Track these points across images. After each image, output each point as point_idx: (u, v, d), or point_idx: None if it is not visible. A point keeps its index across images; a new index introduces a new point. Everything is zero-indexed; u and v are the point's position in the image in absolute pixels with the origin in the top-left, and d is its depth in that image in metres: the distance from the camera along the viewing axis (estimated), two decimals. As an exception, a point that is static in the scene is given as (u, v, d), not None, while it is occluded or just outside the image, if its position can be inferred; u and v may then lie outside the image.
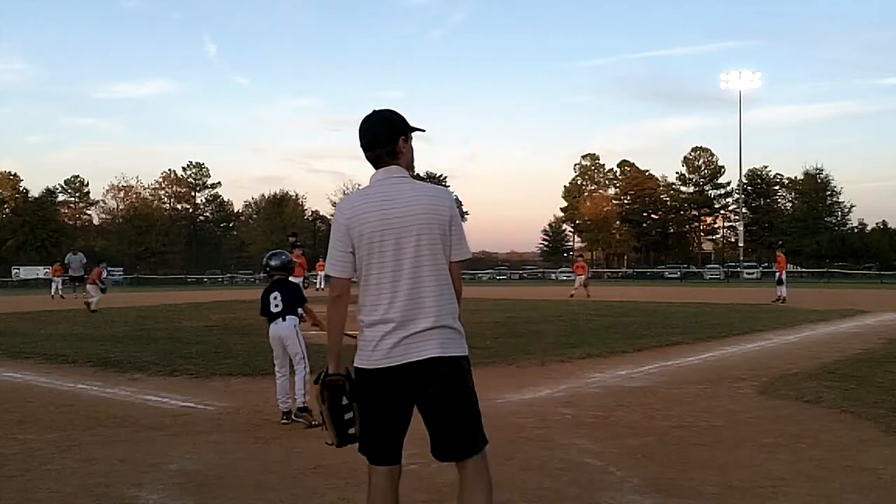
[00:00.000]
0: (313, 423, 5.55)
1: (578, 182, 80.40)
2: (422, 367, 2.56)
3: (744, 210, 70.33)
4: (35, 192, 71.18)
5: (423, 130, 2.79)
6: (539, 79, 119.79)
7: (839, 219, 69.50)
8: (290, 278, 6.30)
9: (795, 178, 71.63)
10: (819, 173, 68.73)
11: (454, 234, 2.70)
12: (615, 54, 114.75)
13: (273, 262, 6.02)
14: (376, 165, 2.72)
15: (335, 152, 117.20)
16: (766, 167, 74.32)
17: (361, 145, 2.73)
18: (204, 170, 79.70)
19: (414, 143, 2.81)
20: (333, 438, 2.67)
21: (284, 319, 5.83)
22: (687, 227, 79.04)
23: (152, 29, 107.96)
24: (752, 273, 55.35)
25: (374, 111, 2.75)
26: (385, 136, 2.69)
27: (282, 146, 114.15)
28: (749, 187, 72.75)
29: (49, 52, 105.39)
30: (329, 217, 78.19)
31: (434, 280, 2.62)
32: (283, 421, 5.73)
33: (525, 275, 65.85)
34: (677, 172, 76.85)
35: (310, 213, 77.20)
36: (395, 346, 2.55)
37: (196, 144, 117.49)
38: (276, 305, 5.82)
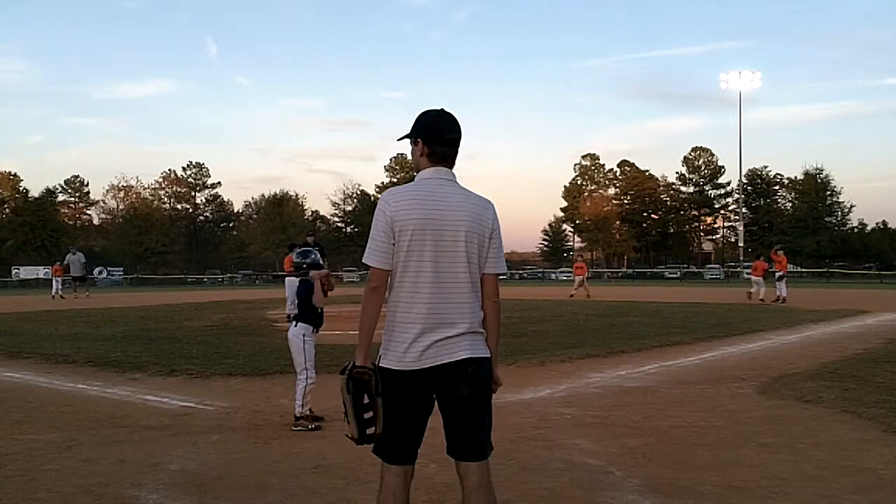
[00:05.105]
0: (311, 427, 5.55)
1: (578, 182, 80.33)
2: (453, 367, 2.56)
3: (744, 210, 70.30)
4: (35, 192, 71.21)
5: None
6: (539, 79, 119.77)
7: (839, 219, 69.45)
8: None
9: (795, 178, 71.64)
10: (819, 173, 68.67)
11: (493, 246, 2.69)
12: (615, 54, 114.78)
13: (304, 260, 5.94)
14: (431, 161, 2.69)
15: (335, 152, 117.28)
16: (766, 167, 74.40)
17: (431, 137, 2.68)
18: (204, 170, 79.69)
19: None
20: (354, 433, 2.61)
21: (296, 325, 5.79)
22: (687, 227, 79.00)
23: (153, 29, 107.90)
24: (753, 273, 55.27)
25: (445, 110, 2.74)
26: (457, 139, 2.71)
27: (282, 146, 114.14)
28: (749, 187, 72.72)
29: (49, 52, 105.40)
30: (329, 217, 78.24)
31: (470, 287, 2.62)
32: (296, 428, 5.64)
33: (525, 275, 65.78)
34: (677, 172, 76.92)
35: (310, 213, 77.20)
36: (427, 348, 2.54)
37: (196, 144, 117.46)
38: (292, 308, 5.76)
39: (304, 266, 5.90)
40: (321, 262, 6.07)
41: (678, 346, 10.41)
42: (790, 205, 72.64)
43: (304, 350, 5.70)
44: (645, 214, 78.06)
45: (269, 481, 4.26)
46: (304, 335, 5.73)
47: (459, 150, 2.76)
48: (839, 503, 3.82)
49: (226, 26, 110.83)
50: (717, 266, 64.34)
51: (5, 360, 9.70)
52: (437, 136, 2.69)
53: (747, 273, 54.10)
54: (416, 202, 2.60)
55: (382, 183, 75.41)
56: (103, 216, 78.54)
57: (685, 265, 67.92)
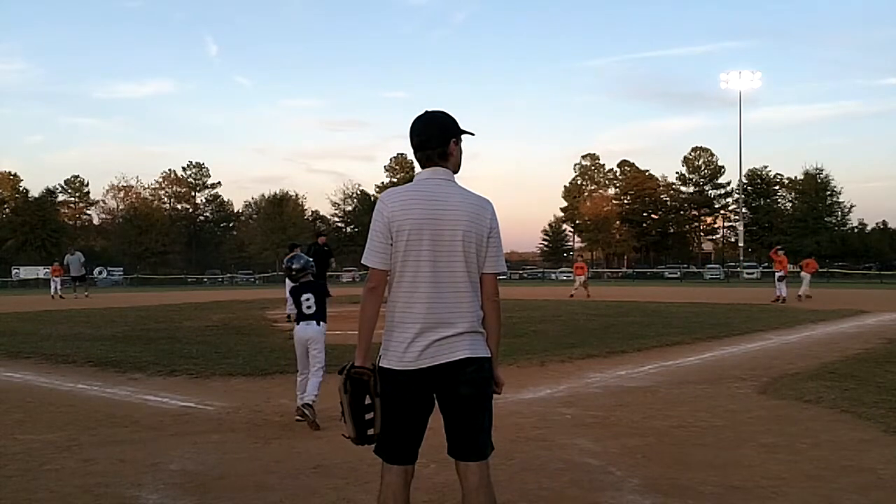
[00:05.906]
0: (313, 421, 5.55)
1: (578, 182, 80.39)
2: (452, 367, 2.56)
3: (744, 210, 70.33)
4: (35, 192, 71.33)
5: (473, 134, 2.78)
6: (539, 79, 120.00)
7: (839, 219, 69.47)
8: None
9: (795, 178, 71.69)
10: (819, 173, 68.71)
11: (491, 245, 2.68)
12: (615, 54, 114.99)
13: (295, 266, 6.01)
14: (424, 165, 2.71)
15: (335, 152, 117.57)
16: (766, 167, 74.52)
17: (412, 144, 2.72)
18: (204, 170, 79.77)
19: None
20: (352, 432, 2.61)
21: (319, 324, 5.82)
22: (687, 227, 79.03)
23: (153, 29, 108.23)
24: (752, 273, 55.34)
25: (427, 112, 2.74)
26: (436, 138, 2.70)
27: (282, 146, 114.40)
28: (749, 187, 72.74)
29: (49, 52, 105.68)
30: (329, 217, 78.26)
31: (469, 286, 2.62)
32: (298, 418, 5.70)
33: (525, 275, 65.78)
34: (677, 172, 77.03)
35: (310, 213, 77.22)
36: (427, 347, 2.54)
37: (196, 144, 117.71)
38: (309, 307, 5.82)
39: (293, 272, 6.01)
40: (312, 266, 6.13)
41: (678, 346, 10.41)
42: (790, 205, 72.67)
43: (324, 348, 5.82)
44: (645, 214, 78.08)
45: (269, 481, 4.26)
46: (325, 333, 5.85)
47: (453, 147, 2.73)
48: (839, 503, 3.82)
49: (226, 26, 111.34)
50: (717, 266, 64.37)
51: (5, 360, 9.69)
52: (413, 144, 2.73)
53: (748, 273, 54.61)
54: (414, 202, 2.60)
55: (382, 183, 75.47)
56: (103, 216, 78.76)
57: (685, 265, 67.94)
